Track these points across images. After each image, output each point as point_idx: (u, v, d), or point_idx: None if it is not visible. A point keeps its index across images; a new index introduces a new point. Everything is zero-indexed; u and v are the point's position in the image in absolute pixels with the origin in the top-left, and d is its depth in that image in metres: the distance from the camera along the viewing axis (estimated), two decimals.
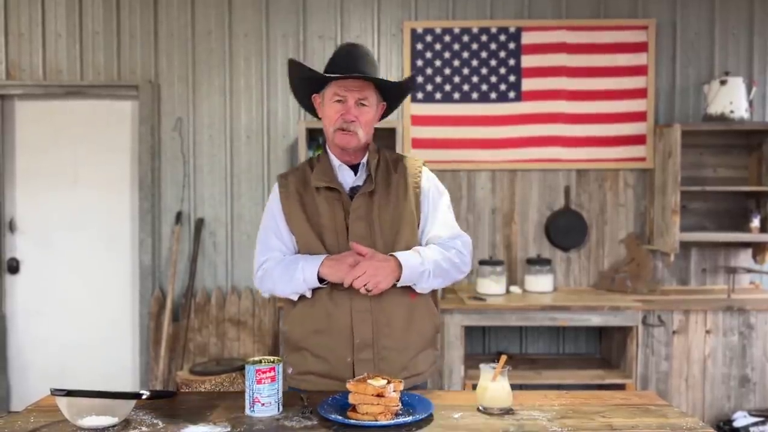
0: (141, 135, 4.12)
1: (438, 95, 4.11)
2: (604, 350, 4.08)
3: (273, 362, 1.65)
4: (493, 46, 4.11)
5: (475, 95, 4.11)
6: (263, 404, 1.62)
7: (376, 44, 4.14)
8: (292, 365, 1.98)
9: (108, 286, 4.23)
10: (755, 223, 3.93)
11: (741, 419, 3.61)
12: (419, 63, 4.11)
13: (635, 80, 4.09)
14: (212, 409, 1.69)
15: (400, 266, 1.86)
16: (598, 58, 4.10)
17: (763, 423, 3.58)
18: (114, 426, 1.56)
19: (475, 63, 4.11)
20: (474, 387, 1.79)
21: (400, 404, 1.60)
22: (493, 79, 4.11)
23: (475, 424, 1.59)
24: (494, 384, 1.67)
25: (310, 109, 2.09)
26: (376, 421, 1.55)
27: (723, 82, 3.85)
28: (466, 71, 4.11)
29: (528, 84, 4.10)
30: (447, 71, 4.11)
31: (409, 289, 1.94)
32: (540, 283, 3.95)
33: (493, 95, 4.11)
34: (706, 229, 4.12)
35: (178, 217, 4.12)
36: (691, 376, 3.72)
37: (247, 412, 1.64)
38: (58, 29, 4.13)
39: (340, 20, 4.14)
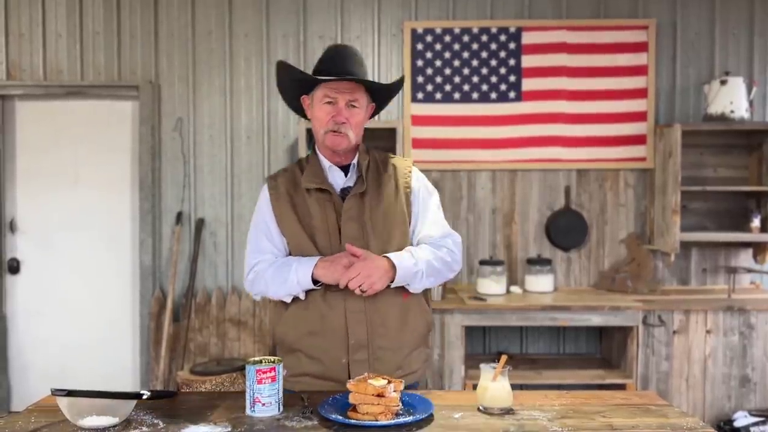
0: (141, 135, 4.12)
1: (438, 95, 4.11)
2: (604, 350, 4.08)
3: (273, 362, 1.65)
4: (493, 46, 4.11)
5: (475, 95, 4.11)
6: (264, 404, 1.63)
7: (376, 44, 4.14)
8: (286, 367, 1.97)
9: (108, 286, 4.23)
10: (755, 223, 3.93)
11: (741, 419, 3.61)
12: (419, 63, 4.11)
13: (635, 80, 4.09)
14: (213, 409, 1.69)
15: (394, 267, 1.87)
16: (599, 58, 4.10)
17: (763, 423, 3.58)
18: (114, 426, 1.56)
19: (475, 63, 4.11)
20: (474, 387, 1.79)
21: (400, 404, 1.61)
22: (494, 79, 4.11)
23: (476, 424, 1.59)
24: (495, 384, 1.67)
25: (299, 110, 2.09)
26: (377, 421, 1.55)
27: (723, 82, 3.85)
28: (466, 71, 4.11)
29: (528, 84, 4.10)
30: (447, 71, 4.11)
31: (402, 289, 1.95)
32: (540, 283, 3.95)
33: (494, 95, 4.11)
34: (707, 229, 4.12)
35: (179, 217, 4.13)
36: (692, 376, 3.72)
37: (248, 412, 1.64)
38: (58, 29, 4.13)
39: (340, 20, 4.14)
